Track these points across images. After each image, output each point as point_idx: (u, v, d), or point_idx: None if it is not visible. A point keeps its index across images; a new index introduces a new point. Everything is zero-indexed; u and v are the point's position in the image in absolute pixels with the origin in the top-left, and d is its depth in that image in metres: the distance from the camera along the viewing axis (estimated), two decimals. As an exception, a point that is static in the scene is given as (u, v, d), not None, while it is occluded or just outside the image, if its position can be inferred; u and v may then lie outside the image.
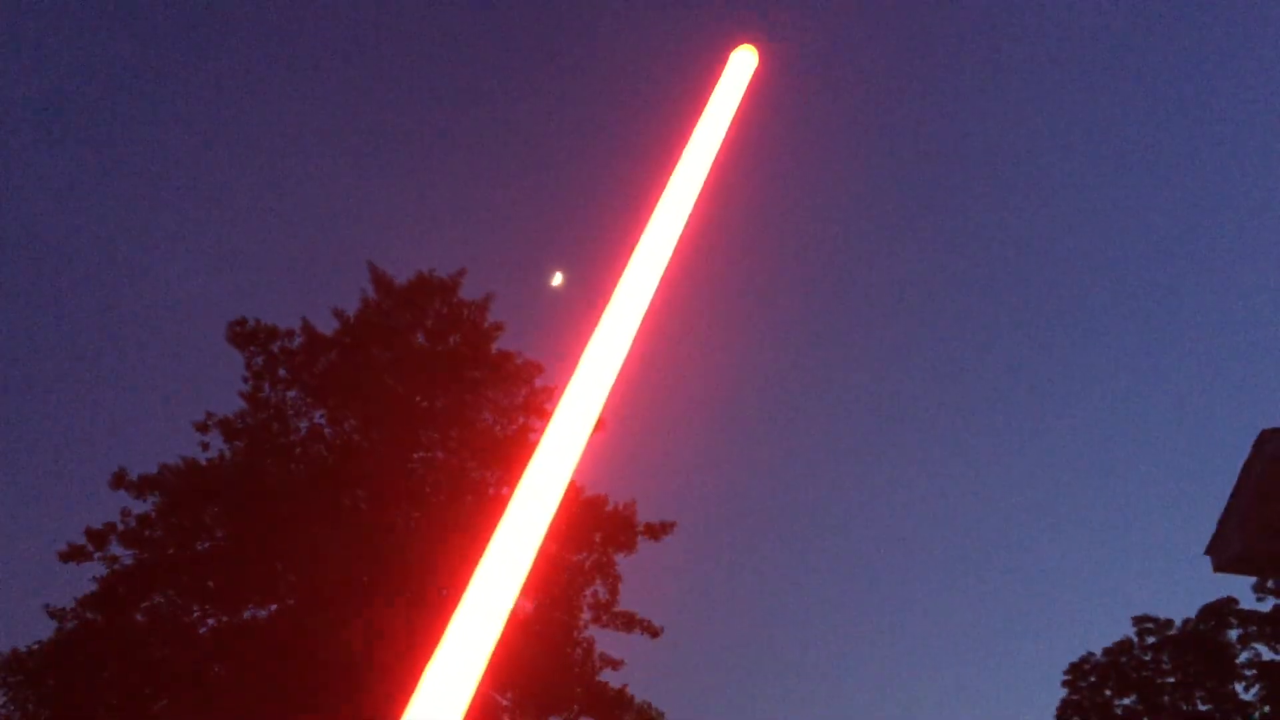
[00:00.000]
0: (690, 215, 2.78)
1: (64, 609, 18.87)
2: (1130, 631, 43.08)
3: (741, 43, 3.11)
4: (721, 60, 3.08)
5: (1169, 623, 42.12)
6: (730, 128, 2.95)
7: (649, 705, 20.14)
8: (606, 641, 20.72)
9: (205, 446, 20.41)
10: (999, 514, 70.44)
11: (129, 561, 19.33)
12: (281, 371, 21.18)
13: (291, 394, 21.28)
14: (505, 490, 21.50)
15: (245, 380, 21.06)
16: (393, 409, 20.95)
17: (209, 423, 20.51)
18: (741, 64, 3.07)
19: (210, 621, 19.71)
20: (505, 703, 19.85)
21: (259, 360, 21.15)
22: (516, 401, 22.04)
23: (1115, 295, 67.64)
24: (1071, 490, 69.55)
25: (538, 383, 21.99)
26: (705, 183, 2.84)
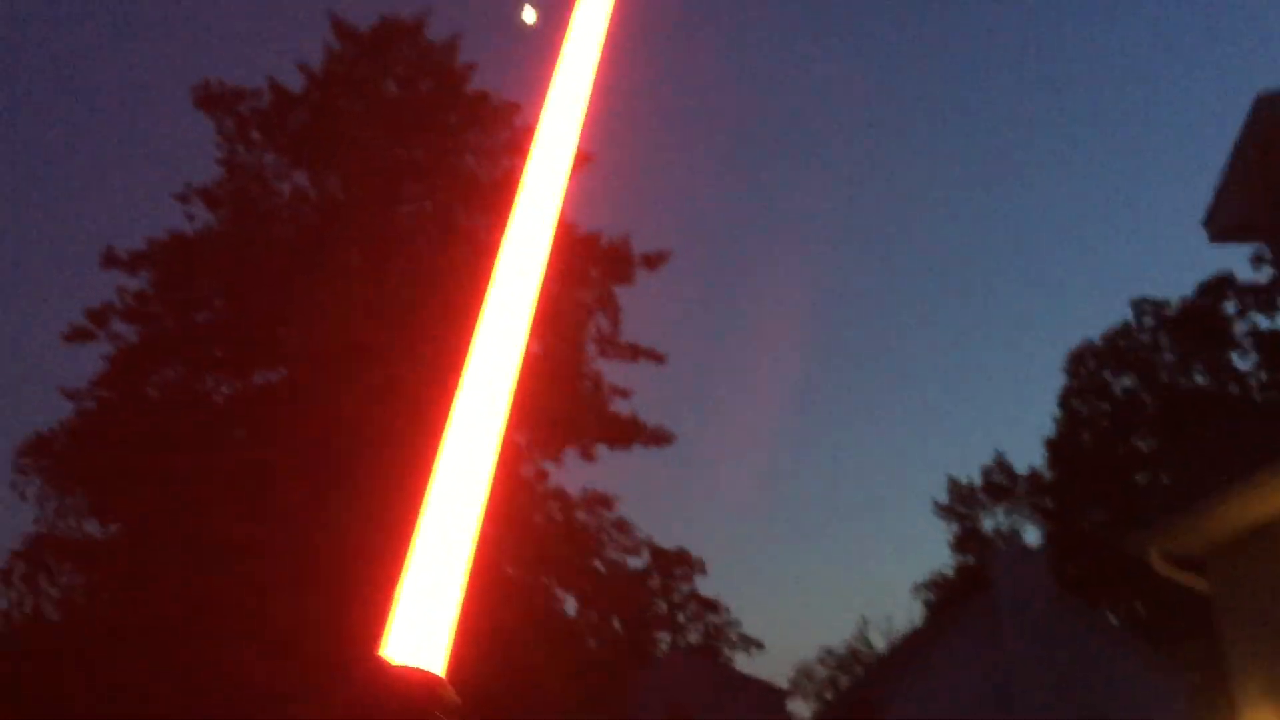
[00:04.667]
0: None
1: (78, 389, 19.15)
2: (1129, 315, 43.80)
3: None
4: None
5: (1166, 303, 42.76)
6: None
7: (662, 427, 20.71)
8: (614, 373, 21.11)
9: (190, 218, 20.17)
10: (993, 206, 70.33)
11: (133, 339, 19.47)
12: (254, 133, 20.61)
13: (268, 157, 20.80)
14: (496, 235, 21.30)
15: (218, 146, 20.55)
16: (373, 163, 20.50)
17: (189, 193, 20.16)
18: None
19: (223, 390, 20.06)
20: (521, 440, 20.41)
21: (229, 124, 20.55)
22: (499, 143, 21.54)
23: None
24: (1066, 177, 69.09)
25: (518, 122, 21.39)
26: None
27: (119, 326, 19.44)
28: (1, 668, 17.73)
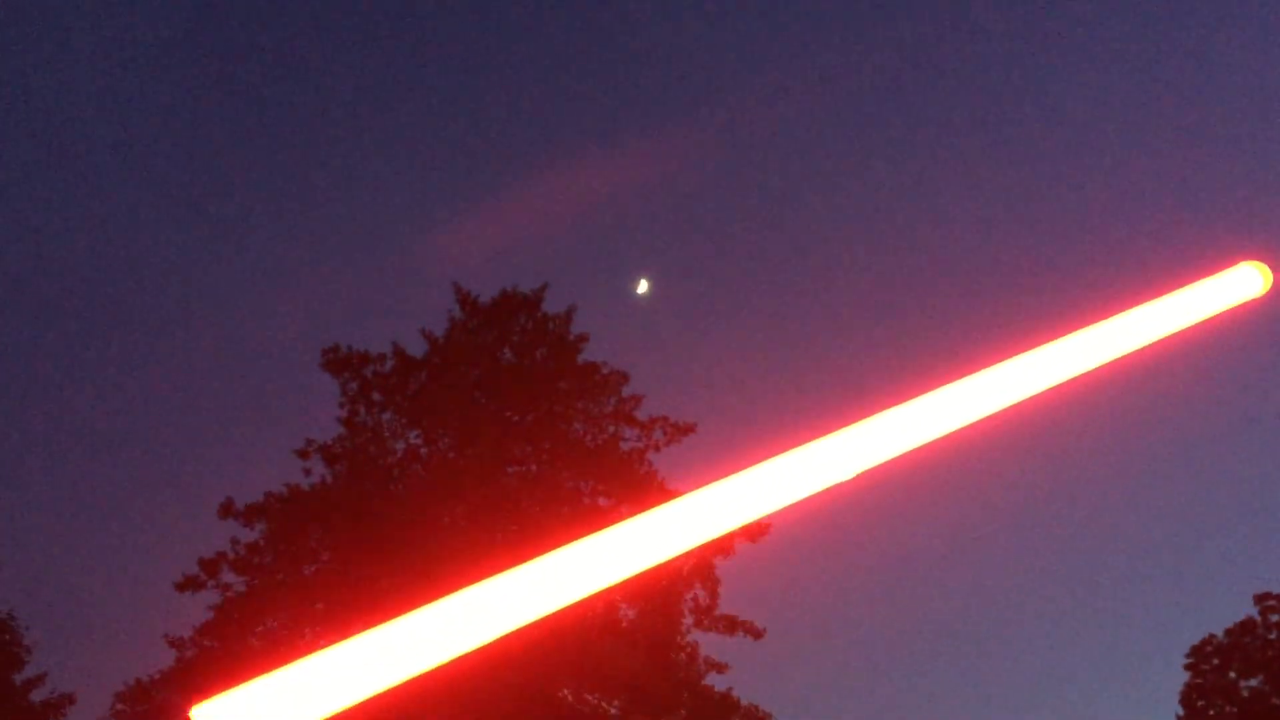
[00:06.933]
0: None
1: (182, 638, 19.51)
2: (1252, 610, 41.80)
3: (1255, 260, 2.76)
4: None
5: (1292, 599, 40.73)
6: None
7: (756, 707, 20.08)
8: (710, 645, 20.74)
9: (307, 472, 20.96)
10: (1109, 493, 68.64)
11: (241, 589, 19.91)
12: (375, 395, 21.61)
13: (386, 416, 21.71)
14: (600, 500, 21.67)
15: (341, 406, 21.56)
16: (484, 425, 21.23)
17: (310, 449, 21.02)
18: (1245, 280, 2.73)
19: (320, 644, 20.21)
20: (614, 711, 19.98)
21: (353, 385, 21.62)
22: (605, 411, 22.16)
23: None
24: (1184, 468, 67.49)
25: (625, 391, 22.10)
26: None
27: (229, 576, 19.97)
28: None
